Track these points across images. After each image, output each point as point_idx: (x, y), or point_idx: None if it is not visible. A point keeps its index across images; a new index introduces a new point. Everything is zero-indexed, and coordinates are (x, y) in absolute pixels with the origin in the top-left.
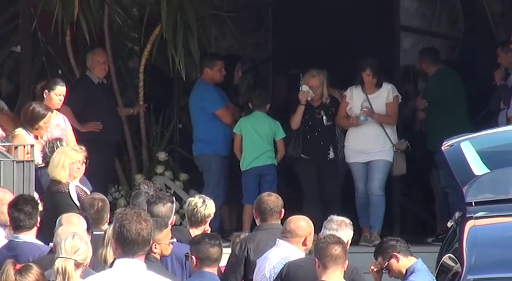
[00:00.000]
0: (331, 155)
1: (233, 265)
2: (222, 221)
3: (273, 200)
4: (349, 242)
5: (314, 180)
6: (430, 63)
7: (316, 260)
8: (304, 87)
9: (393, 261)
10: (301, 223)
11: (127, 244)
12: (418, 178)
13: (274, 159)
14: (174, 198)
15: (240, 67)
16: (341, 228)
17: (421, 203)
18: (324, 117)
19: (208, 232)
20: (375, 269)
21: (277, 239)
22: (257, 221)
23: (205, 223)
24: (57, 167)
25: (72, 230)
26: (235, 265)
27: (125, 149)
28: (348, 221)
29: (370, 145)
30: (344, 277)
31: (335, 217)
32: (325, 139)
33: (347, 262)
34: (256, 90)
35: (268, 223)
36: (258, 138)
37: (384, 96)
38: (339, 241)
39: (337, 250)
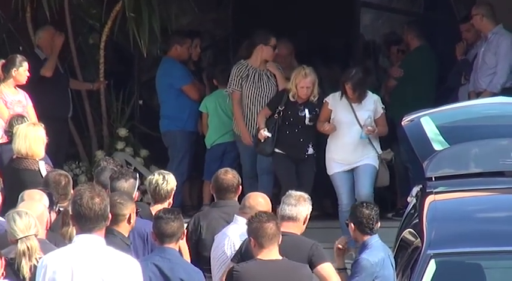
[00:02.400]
0: (310, 151)
1: (195, 241)
2: (182, 197)
3: (229, 178)
4: (308, 217)
5: (292, 174)
6: (415, 36)
7: (251, 239)
8: (265, 132)
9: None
10: (260, 200)
11: (80, 219)
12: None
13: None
14: (137, 174)
15: (198, 43)
16: (300, 203)
17: None
18: (307, 116)
19: (170, 206)
20: (340, 247)
21: (235, 215)
22: (215, 198)
23: (169, 197)
24: (36, 141)
25: (33, 206)
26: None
27: (85, 125)
28: (306, 196)
29: (355, 155)
30: (303, 253)
31: (293, 192)
32: (305, 137)
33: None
34: (219, 67)
35: (224, 200)
36: (223, 116)
37: (369, 107)
38: (272, 218)
39: (272, 228)
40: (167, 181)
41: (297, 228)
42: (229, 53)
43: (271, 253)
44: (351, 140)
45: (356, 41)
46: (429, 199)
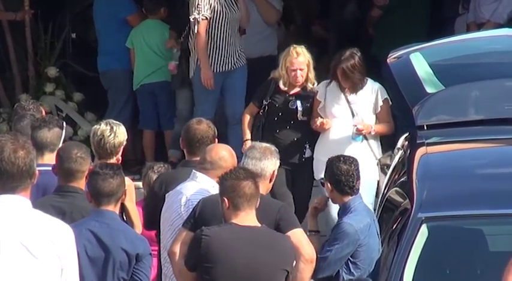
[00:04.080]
0: (308, 153)
1: (154, 206)
2: (124, 149)
3: (202, 128)
4: (275, 173)
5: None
6: None
7: (225, 199)
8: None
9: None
10: (223, 153)
11: (1, 177)
12: None
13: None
14: (64, 122)
15: None
16: (265, 157)
17: None
18: (300, 109)
19: (119, 161)
20: (317, 206)
21: (194, 171)
22: (186, 155)
23: (116, 153)
24: None
25: None
26: (156, 205)
27: (7, 63)
28: (273, 148)
29: None
30: (269, 217)
31: (257, 144)
32: (299, 135)
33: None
34: None
35: (195, 158)
36: (149, 52)
37: (369, 97)
38: (251, 175)
39: (250, 187)
40: (115, 133)
41: (262, 186)
42: None
43: (249, 218)
44: (343, 140)
45: None
46: (420, 151)
